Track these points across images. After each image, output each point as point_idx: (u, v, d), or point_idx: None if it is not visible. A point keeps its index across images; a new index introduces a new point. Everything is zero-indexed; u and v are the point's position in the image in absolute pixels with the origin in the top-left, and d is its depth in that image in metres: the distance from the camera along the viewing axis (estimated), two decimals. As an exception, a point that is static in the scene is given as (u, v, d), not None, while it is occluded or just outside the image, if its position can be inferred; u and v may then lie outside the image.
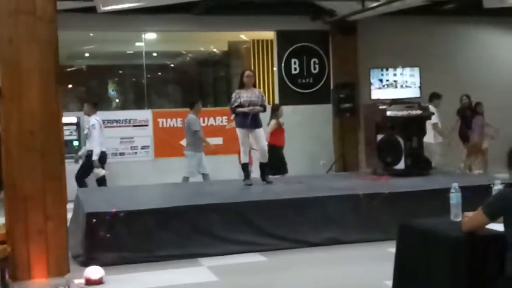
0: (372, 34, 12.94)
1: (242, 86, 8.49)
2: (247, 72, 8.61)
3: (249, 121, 8.38)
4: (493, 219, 3.67)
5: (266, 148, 8.65)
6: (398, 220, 4.54)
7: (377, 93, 9.76)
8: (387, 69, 9.79)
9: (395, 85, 9.75)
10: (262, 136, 8.60)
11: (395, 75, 9.77)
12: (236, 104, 8.38)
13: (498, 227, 3.77)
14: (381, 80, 9.74)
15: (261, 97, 8.58)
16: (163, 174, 11.71)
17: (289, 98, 12.86)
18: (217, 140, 12.41)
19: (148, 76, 13.51)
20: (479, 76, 13.80)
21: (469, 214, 3.86)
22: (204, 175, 10.74)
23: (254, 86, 8.69)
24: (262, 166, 8.74)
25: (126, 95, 15.09)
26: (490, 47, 14.26)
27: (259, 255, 6.74)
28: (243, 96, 8.38)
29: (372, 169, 9.68)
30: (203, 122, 12.44)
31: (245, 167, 8.66)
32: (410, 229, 4.25)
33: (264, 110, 8.69)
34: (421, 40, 13.21)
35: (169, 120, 12.30)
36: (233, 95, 8.53)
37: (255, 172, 9.39)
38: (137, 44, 13.32)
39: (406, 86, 9.78)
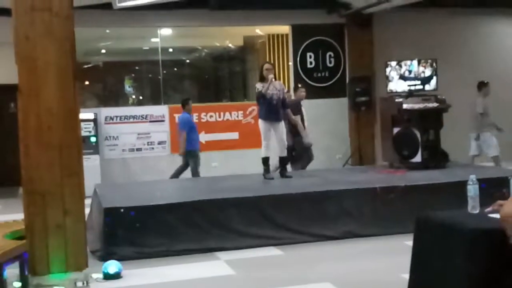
0: (388, 26, 12.89)
1: (262, 79, 8.48)
2: (266, 65, 8.59)
3: (273, 113, 8.38)
4: None
5: (286, 142, 8.63)
6: (415, 213, 4.51)
7: (393, 86, 9.72)
8: (403, 62, 9.72)
9: (411, 77, 9.69)
10: (283, 129, 8.58)
11: (411, 67, 9.70)
12: (262, 91, 8.30)
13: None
14: (397, 73, 9.68)
15: (282, 90, 8.58)
16: (179, 169, 11.75)
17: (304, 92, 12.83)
18: (233, 135, 12.45)
19: (164, 71, 13.56)
20: (496, 68, 13.69)
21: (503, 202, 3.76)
22: (494, 158, 10.68)
23: (275, 78, 8.57)
24: (281, 160, 8.71)
25: (143, 91, 15.16)
26: (507, 38, 14.13)
27: (276, 249, 6.75)
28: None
29: (388, 163, 9.65)
30: (219, 117, 12.47)
31: (266, 161, 8.63)
32: (427, 221, 4.22)
33: (287, 107, 8.67)
34: (437, 32, 13.13)
35: (185, 115, 12.31)
36: (257, 86, 8.46)
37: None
38: (153, 40, 13.37)
39: (422, 79, 9.71)
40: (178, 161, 12.09)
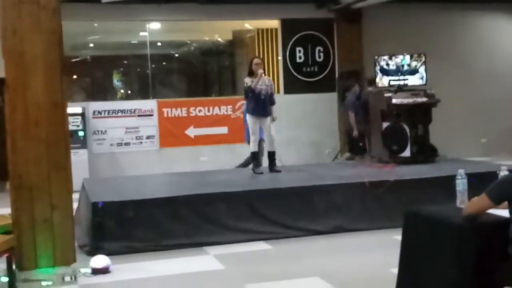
0: (377, 21, 12.89)
1: (251, 73, 8.47)
2: (256, 60, 8.57)
3: (261, 108, 8.38)
4: (497, 203, 3.67)
5: (274, 137, 8.63)
6: (403, 207, 4.53)
7: (382, 81, 9.73)
8: (392, 57, 9.73)
9: (400, 72, 9.70)
10: (269, 123, 8.58)
11: (400, 62, 9.70)
12: (251, 86, 8.29)
13: (501, 212, 3.77)
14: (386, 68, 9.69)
15: (271, 85, 8.57)
16: (168, 163, 11.74)
17: (294, 87, 12.84)
18: (222, 130, 12.43)
19: (153, 66, 13.50)
20: (485, 63, 13.74)
21: (474, 199, 3.86)
22: None
23: (264, 74, 8.53)
24: (270, 155, 8.71)
25: (131, 85, 15.10)
26: (496, 33, 14.18)
27: (265, 243, 6.75)
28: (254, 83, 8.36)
29: (377, 157, 9.66)
30: (208, 111, 12.45)
31: (255, 156, 8.62)
32: (416, 216, 4.24)
33: (274, 103, 8.64)
34: (426, 27, 13.15)
35: (173, 109, 12.30)
36: (245, 80, 8.44)
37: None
38: (141, 34, 13.30)
39: (411, 74, 9.73)
40: (166, 155, 12.07)
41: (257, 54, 13.37)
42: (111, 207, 6.57)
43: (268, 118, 8.54)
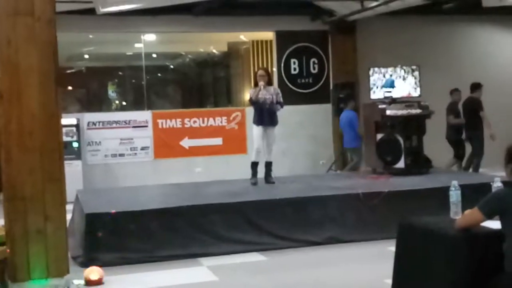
0: (371, 33, 12.95)
1: (256, 85, 8.61)
2: (259, 72, 8.70)
3: (266, 118, 8.43)
4: (489, 218, 3.70)
5: (273, 147, 8.67)
6: (398, 218, 4.53)
7: (376, 93, 9.75)
8: (386, 69, 9.77)
9: (394, 84, 9.73)
10: (274, 134, 8.63)
11: (394, 74, 9.74)
12: (253, 97, 8.47)
13: (494, 224, 3.79)
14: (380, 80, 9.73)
15: (277, 94, 8.65)
16: (163, 175, 11.71)
17: (288, 98, 12.78)
18: (217, 141, 12.43)
19: (148, 77, 13.50)
20: (479, 75, 13.76)
21: (467, 212, 3.88)
22: None
23: (270, 84, 8.69)
24: (266, 165, 8.73)
25: (126, 96, 15.10)
26: (490, 46, 14.25)
27: (259, 254, 6.74)
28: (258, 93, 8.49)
29: (372, 168, 9.68)
30: (203, 122, 12.45)
31: (254, 166, 8.65)
32: (410, 227, 4.25)
33: (281, 107, 8.73)
34: (420, 39, 13.21)
35: (168, 121, 12.29)
36: (250, 91, 8.64)
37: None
38: (136, 45, 13.31)
39: (406, 85, 9.76)
40: (161, 166, 12.05)
41: (252, 66, 13.43)
42: (105, 218, 6.55)
43: (274, 128, 8.59)
